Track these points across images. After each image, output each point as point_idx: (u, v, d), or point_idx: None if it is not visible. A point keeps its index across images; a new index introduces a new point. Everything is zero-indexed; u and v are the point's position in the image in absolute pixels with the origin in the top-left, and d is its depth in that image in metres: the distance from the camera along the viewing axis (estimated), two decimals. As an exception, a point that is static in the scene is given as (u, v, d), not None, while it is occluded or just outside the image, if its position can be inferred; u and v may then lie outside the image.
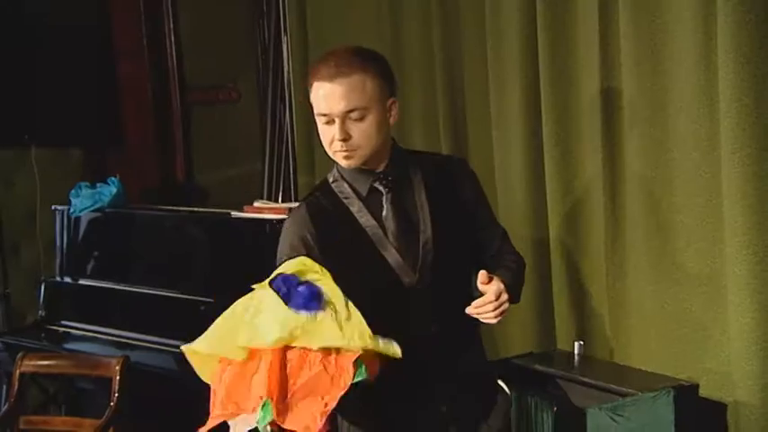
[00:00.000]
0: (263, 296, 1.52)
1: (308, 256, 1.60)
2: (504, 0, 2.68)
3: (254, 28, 3.86)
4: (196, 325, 2.88)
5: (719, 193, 2.11)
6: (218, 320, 1.56)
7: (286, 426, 1.46)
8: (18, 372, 2.62)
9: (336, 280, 1.53)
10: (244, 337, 1.49)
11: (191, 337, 2.89)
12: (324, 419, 1.45)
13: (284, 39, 3.66)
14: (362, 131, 1.63)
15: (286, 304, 1.48)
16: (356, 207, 1.69)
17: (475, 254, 1.77)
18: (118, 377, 2.51)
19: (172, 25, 3.98)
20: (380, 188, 1.70)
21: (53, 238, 3.42)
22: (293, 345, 1.47)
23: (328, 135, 1.65)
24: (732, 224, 2.05)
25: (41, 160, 3.54)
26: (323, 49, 3.48)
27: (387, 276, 1.66)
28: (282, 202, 3.55)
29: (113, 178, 3.34)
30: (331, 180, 1.75)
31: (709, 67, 2.11)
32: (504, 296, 1.58)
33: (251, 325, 1.49)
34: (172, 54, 4.00)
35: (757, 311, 2.03)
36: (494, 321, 1.60)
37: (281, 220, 2.91)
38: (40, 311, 3.35)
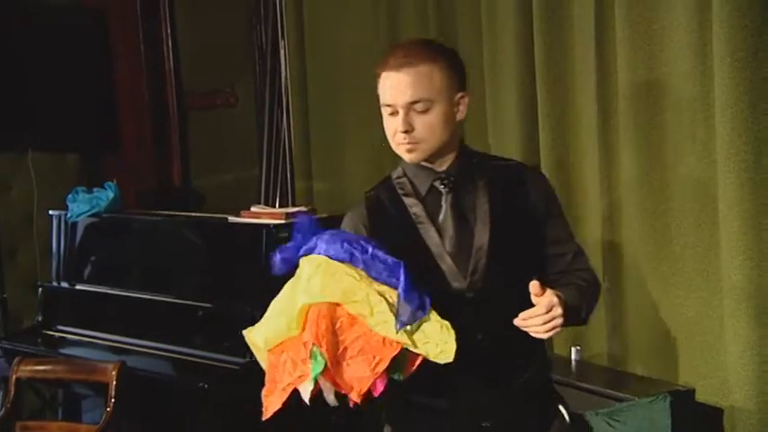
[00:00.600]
0: (314, 262, 1.50)
1: None
2: (500, 5, 2.69)
3: (252, 33, 3.87)
4: (193, 330, 2.92)
5: (715, 198, 2.11)
6: (271, 306, 1.55)
7: (340, 379, 1.44)
8: (14, 377, 2.62)
9: None
10: (303, 298, 1.47)
11: (188, 342, 2.92)
12: (376, 379, 1.43)
13: (281, 43, 3.66)
14: (426, 124, 1.58)
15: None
16: (413, 204, 1.65)
17: (542, 269, 1.67)
18: (114, 382, 2.50)
19: (169, 30, 3.99)
20: (440, 188, 1.64)
21: (50, 243, 3.42)
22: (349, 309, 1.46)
23: (392, 127, 1.60)
24: (728, 229, 2.05)
25: (38, 165, 3.54)
26: (320, 53, 3.50)
27: (436, 279, 1.59)
28: (280, 207, 3.55)
29: (110, 183, 3.33)
30: (394, 176, 1.70)
31: (704, 72, 2.12)
32: (557, 311, 1.48)
33: (308, 285, 1.48)
34: (169, 58, 4.01)
35: (752, 317, 2.03)
36: (543, 336, 1.51)
37: (279, 225, 2.92)
38: (36, 316, 3.34)
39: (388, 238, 1.59)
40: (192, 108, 4.06)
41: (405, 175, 1.68)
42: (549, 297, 1.49)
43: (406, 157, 1.62)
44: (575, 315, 1.58)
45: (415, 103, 1.57)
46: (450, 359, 1.45)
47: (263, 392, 1.50)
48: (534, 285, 1.49)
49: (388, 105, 1.60)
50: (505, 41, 2.68)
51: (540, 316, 1.48)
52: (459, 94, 1.63)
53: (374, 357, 1.44)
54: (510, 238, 1.62)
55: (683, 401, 2.12)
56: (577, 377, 2.31)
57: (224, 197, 3.81)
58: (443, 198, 1.64)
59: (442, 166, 1.65)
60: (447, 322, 1.48)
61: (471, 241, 1.61)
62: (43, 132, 3.45)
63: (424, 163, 1.64)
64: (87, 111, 3.61)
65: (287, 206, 3.52)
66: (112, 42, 3.80)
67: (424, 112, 1.57)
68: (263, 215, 3.02)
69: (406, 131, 1.58)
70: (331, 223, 3.42)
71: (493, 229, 1.61)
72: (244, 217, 3.04)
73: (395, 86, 1.58)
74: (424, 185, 1.65)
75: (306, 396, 1.45)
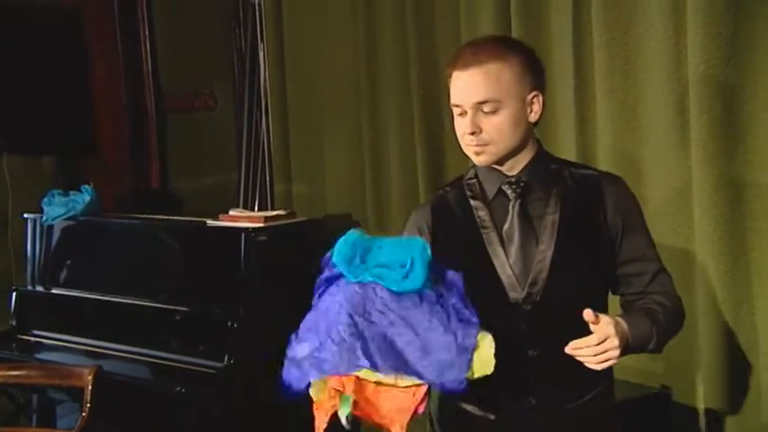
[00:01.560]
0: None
1: None
2: (478, 9, 2.70)
3: (231, 35, 3.85)
4: (170, 334, 2.90)
5: (690, 202, 2.14)
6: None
7: (377, 416, 1.32)
8: (-12, 382, 2.59)
9: None
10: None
11: (165, 346, 2.89)
12: (417, 405, 1.32)
13: (261, 46, 3.65)
14: (494, 126, 1.51)
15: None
16: (479, 207, 1.59)
17: (611, 288, 1.61)
18: (90, 387, 2.47)
19: (147, 31, 3.96)
20: (509, 192, 1.57)
21: (25, 247, 3.38)
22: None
23: (460, 128, 1.55)
24: (702, 233, 2.08)
25: (13, 168, 3.50)
26: (299, 56, 3.49)
27: (492, 286, 1.53)
28: (258, 210, 3.53)
29: (87, 186, 3.30)
30: (466, 177, 1.65)
31: (680, 78, 2.14)
32: (613, 342, 1.39)
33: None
34: (147, 60, 3.98)
35: (727, 320, 2.06)
36: (596, 368, 1.42)
37: (257, 229, 2.91)
38: (10, 321, 3.30)
39: (450, 240, 1.54)
40: (170, 110, 4.03)
41: (476, 176, 1.62)
42: (605, 327, 1.40)
43: (475, 159, 1.57)
44: (640, 345, 1.49)
45: (483, 103, 1.51)
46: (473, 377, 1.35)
47: (315, 407, 1.39)
48: (588, 313, 1.40)
49: (457, 106, 1.54)
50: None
51: (591, 347, 1.40)
52: (533, 94, 1.54)
53: (411, 387, 1.33)
54: (576, 253, 1.54)
55: (659, 404, 2.13)
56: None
57: (202, 200, 3.79)
58: (511, 204, 1.56)
59: (513, 169, 1.58)
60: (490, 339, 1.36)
61: (534, 252, 1.54)
62: (18, 135, 3.41)
63: (494, 165, 1.57)
64: (64, 113, 3.56)
65: (266, 209, 3.50)
66: (89, 43, 3.76)
67: (493, 112, 1.51)
68: (241, 219, 3.01)
69: (473, 133, 1.52)
70: (310, 227, 3.38)
71: (558, 243, 1.53)
72: (222, 220, 3.03)
73: (462, 87, 1.52)
74: (493, 189, 1.59)
75: (345, 424, 1.34)
